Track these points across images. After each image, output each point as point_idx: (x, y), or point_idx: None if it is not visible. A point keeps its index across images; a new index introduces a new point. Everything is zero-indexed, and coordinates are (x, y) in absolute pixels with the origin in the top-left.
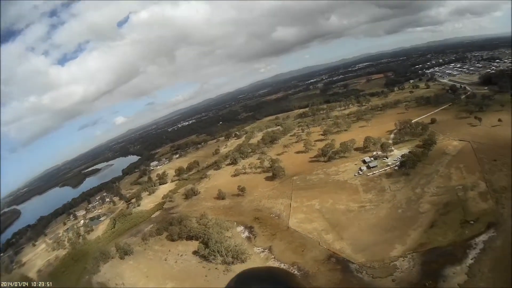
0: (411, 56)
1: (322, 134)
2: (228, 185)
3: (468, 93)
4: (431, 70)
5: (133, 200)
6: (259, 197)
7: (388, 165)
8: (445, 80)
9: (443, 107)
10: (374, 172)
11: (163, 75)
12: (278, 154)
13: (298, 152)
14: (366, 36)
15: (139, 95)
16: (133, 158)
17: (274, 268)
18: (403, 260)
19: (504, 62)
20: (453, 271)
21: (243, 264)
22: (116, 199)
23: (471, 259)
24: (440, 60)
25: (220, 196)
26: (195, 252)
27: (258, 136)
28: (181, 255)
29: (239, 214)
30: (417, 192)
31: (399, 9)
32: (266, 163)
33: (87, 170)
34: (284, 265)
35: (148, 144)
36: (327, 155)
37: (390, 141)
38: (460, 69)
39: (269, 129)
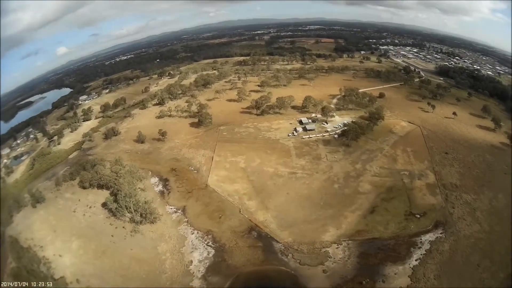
0: (366, 30)
1: (258, 85)
2: (150, 127)
3: (423, 78)
4: (385, 47)
5: (55, 138)
6: (180, 144)
7: (327, 131)
8: (398, 60)
9: (394, 85)
10: (310, 136)
11: (112, 6)
12: (209, 100)
13: (230, 100)
14: (325, 1)
15: (84, 25)
16: (67, 91)
17: (274, 268)
18: (337, 248)
19: (465, 61)
20: (395, 271)
21: (152, 225)
22: (40, 135)
23: (416, 260)
24: (396, 41)
25: (140, 139)
26: (104, 205)
27: (192, 78)
28: (90, 207)
29: (156, 162)
30: (357, 168)
31: None
32: (194, 108)
33: (21, 103)
34: (197, 232)
35: (83, 77)
36: (260, 108)
37: (333, 106)
38: (416, 54)
39: (204, 72)
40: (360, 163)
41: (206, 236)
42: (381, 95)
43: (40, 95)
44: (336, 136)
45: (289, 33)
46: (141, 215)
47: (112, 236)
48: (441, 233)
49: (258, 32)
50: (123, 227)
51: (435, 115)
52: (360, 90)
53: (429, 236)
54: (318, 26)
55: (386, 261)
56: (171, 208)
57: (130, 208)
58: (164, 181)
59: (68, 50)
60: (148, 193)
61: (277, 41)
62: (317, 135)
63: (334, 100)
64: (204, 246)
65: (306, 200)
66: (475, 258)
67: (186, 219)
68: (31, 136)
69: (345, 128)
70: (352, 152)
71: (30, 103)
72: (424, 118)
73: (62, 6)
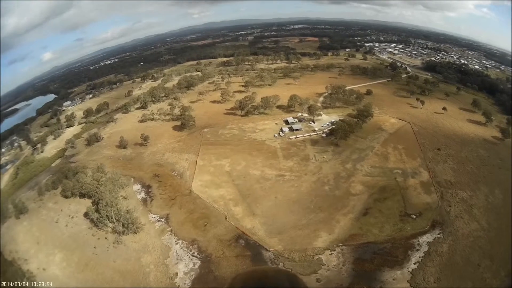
0: (351, 28)
1: (243, 86)
2: (132, 131)
3: (410, 73)
4: (370, 44)
5: (39, 146)
6: (163, 149)
7: (314, 131)
8: (384, 57)
9: (381, 81)
10: (297, 136)
11: (96, 8)
12: (192, 102)
13: (213, 102)
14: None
15: (69, 29)
16: (52, 97)
17: (274, 268)
18: (330, 254)
19: (451, 56)
20: (393, 276)
21: (135, 236)
22: (24, 143)
23: (414, 264)
24: (381, 38)
25: (122, 145)
26: (86, 214)
27: (175, 80)
28: (72, 217)
29: (139, 168)
30: (347, 168)
31: None
32: (177, 110)
33: (6, 110)
34: (182, 242)
35: (67, 82)
36: (245, 109)
37: (319, 104)
38: (402, 50)
39: (188, 74)
40: (350, 162)
41: (191, 246)
42: (369, 92)
43: (25, 102)
44: (324, 135)
45: (273, 33)
46: (123, 225)
47: (94, 247)
48: (439, 234)
49: (242, 32)
50: (106, 237)
51: (424, 111)
52: (347, 88)
53: (427, 237)
54: (302, 26)
55: (383, 266)
56: (154, 217)
57: (111, 218)
58: (147, 188)
59: (53, 55)
60: (130, 201)
61: (261, 41)
62: (304, 135)
63: (321, 99)
64: (189, 257)
65: (296, 204)
66: (475, 257)
67: (169, 228)
68: (15, 144)
69: (333, 126)
70: (341, 152)
71: (16, 110)
72: (413, 114)
73: (46, 10)
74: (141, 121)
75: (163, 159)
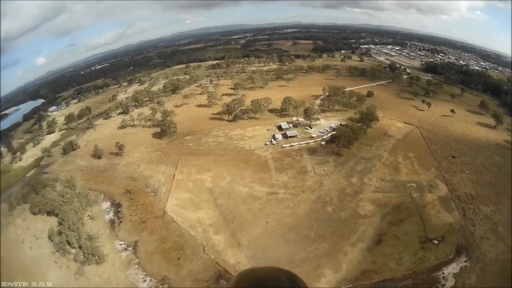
0: (344, 31)
1: (232, 88)
2: (110, 139)
3: (411, 74)
4: (366, 46)
5: (18, 153)
6: (139, 159)
7: (312, 137)
8: (381, 58)
9: (381, 83)
10: (292, 144)
11: (89, 14)
12: (177, 106)
13: (199, 106)
14: (302, 5)
15: (62, 34)
16: (40, 102)
17: (273, 268)
18: None
19: (449, 58)
20: None
21: (98, 267)
22: (5, 150)
23: None
24: (376, 40)
25: (96, 154)
26: (50, 237)
27: (162, 83)
28: (37, 238)
29: (110, 182)
30: (353, 182)
31: None
32: (158, 116)
33: None
34: (150, 279)
35: (56, 87)
36: (233, 113)
37: (316, 107)
38: (399, 52)
39: (175, 77)
40: (356, 175)
41: (160, 286)
42: (370, 94)
43: (16, 107)
44: (323, 143)
45: (266, 36)
46: (83, 255)
47: (56, 277)
48: (465, 262)
49: (234, 37)
50: (68, 266)
51: (431, 114)
52: (346, 89)
53: (453, 268)
54: (295, 29)
55: None
56: (121, 244)
57: (73, 243)
58: (116, 207)
59: (47, 60)
60: (97, 222)
61: (254, 44)
62: (300, 142)
63: (317, 101)
64: None
65: (291, 231)
66: (504, 286)
67: (137, 260)
68: None
69: (334, 132)
70: (344, 162)
71: (5, 115)
72: (420, 117)
73: (39, 14)
74: (121, 127)
75: (138, 171)
